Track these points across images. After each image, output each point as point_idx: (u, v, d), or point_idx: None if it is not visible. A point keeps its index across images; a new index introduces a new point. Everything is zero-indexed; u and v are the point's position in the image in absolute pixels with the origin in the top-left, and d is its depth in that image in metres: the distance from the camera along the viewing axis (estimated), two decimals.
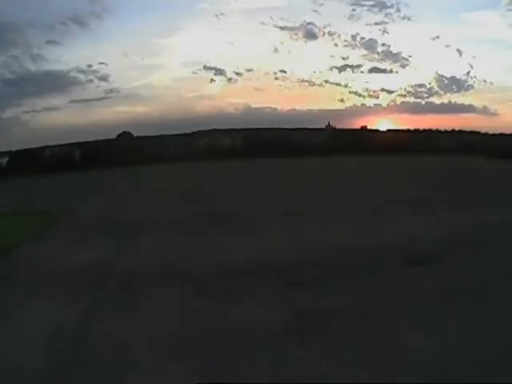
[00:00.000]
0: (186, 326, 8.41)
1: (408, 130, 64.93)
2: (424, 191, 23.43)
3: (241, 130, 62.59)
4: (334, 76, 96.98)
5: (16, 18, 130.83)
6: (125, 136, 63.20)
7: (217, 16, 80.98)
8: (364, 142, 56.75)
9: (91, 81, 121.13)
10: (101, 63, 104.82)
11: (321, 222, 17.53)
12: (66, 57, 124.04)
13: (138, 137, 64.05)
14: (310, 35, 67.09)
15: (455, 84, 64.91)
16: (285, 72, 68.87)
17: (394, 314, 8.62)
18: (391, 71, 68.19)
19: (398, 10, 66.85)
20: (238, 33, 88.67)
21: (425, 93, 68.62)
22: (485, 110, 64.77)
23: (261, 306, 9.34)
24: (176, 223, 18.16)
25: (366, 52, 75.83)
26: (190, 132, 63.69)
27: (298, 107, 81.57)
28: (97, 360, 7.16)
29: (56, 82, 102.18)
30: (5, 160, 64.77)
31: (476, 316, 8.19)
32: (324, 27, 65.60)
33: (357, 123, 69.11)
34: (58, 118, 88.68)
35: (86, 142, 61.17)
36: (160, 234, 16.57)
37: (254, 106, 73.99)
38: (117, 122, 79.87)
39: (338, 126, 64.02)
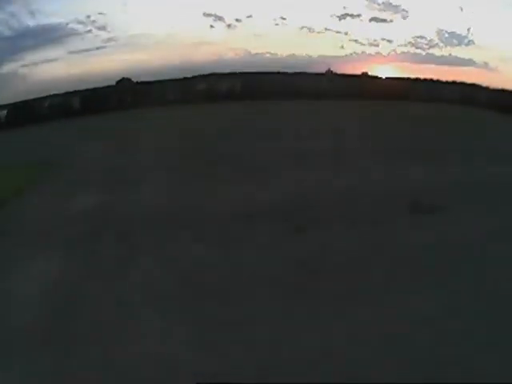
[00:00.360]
0: (186, 275, 8.39)
1: (409, 79, 63.47)
2: (425, 141, 22.85)
3: (240, 74, 60.43)
4: (334, 24, 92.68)
5: None
6: (124, 82, 61.53)
7: None
8: (365, 87, 55.30)
9: (90, 31, 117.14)
10: (100, 13, 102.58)
11: (322, 167, 17.08)
12: (65, 10, 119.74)
13: (137, 83, 62.46)
14: None
15: (455, 38, 62.63)
16: (284, 19, 66.60)
17: (393, 264, 8.60)
18: (391, 21, 65.87)
19: None
20: None
21: (425, 44, 66.26)
22: (485, 66, 63.10)
23: (261, 254, 9.33)
24: (176, 168, 17.69)
25: (366, 2, 73.52)
26: (189, 77, 61.69)
27: (297, 53, 79.49)
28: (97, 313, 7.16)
29: (54, 35, 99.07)
30: (4, 113, 63.67)
31: (476, 272, 8.20)
32: None
33: (357, 70, 67.24)
34: (56, 70, 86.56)
35: (85, 90, 59.38)
36: (159, 180, 16.16)
37: (253, 51, 71.08)
38: (116, 70, 78.17)
39: (338, 72, 62.19)
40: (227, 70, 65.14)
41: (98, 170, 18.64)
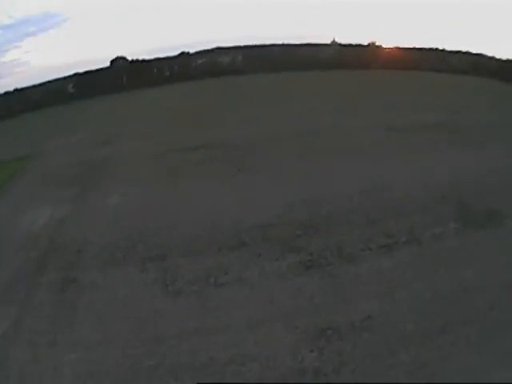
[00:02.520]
0: None
1: (416, 48, 60.45)
2: (447, 115, 19.28)
3: (244, 47, 58.05)
4: None
5: None
6: (118, 61, 58.29)
7: None
8: (372, 57, 51.87)
9: None
10: None
11: (340, 154, 13.62)
12: None
13: (132, 61, 59.12)
14: None
15: None
16: None
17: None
18: None
19: None
20: None
21: None
22: None
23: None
24: (168, 160, 14.57)
25: None
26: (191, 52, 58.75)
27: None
28: None
29: (52, 21, 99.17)
30: None
31: None
32: None
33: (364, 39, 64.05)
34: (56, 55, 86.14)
35: (79, 74, 56.75)
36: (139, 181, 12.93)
37: None
38: None
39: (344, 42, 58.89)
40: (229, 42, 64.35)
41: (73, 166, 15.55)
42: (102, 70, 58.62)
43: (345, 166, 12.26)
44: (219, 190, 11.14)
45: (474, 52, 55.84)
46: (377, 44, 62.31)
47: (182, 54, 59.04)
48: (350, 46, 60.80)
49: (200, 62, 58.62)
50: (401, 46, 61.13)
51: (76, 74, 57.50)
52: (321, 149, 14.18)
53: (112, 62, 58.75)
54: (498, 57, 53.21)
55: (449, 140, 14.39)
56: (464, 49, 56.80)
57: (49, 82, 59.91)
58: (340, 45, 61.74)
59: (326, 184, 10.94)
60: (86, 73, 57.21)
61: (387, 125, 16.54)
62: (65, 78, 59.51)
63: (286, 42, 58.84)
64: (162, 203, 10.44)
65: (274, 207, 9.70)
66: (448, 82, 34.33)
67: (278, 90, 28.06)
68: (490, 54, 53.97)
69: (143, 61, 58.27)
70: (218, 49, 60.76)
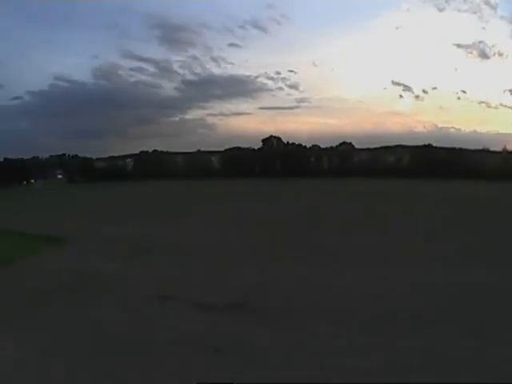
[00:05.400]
0: None
1: None
2: None
3: (410, 147, 55.27)
4: (507, 98, 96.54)
5: (190, 19, 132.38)
6: (271, 141, 52.82)
7: (397, 28, 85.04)
8: None
9: (281, 88, 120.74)
10: (290, 71, 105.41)
11: None
12: (251, 61, 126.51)
13: (287, 144, 53.35)
14: (483, 55, 64.35)
15: None
16: (465, 92, 67.44)
17: None
18: None
19: None
20: (417, 47, 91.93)
21: None
22: None
23: None
24: None
25: None
26: (378, 147, 57.12)
27: (478, 129, 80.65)
28: None
29: (243, 87, 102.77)
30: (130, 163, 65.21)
31: None
32: (493, 46, 64.24)
33: None
34: (247, 124, 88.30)
35: (227, 149, 54.12)
36: None
37: (440, 125, 74.31)
38: (307, 132, 79.88)
39: None
40: (415, 142, 59.14)
41: None
42: (252, 149, 53.55)
43: None
44: None
45: None
46: None
47: (343, 144, 51.99)
48: None
49: (363, 157, 51.37)
50: None
51: (227, 150, 52.77)
52: None
53: (264, 141, 52.77)
54: None
55: None
56: None
57: (195, 152, 57.10)
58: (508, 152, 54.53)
59: None
60: (235, 149, 52.28)
61: None
62: (210, 153, 55.94)
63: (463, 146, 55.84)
64: None
65: None
66: None
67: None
68: None
69: (300, 146, 51.83)
70: (384, 147, 54.64)
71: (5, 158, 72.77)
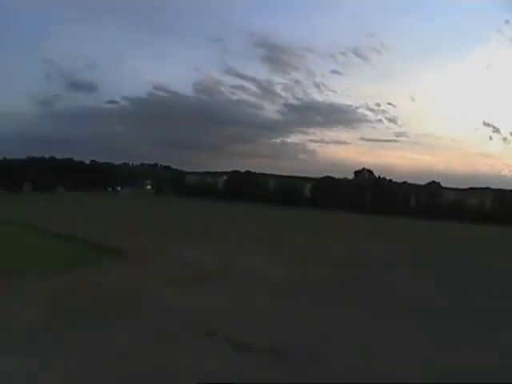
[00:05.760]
0: None
1: None
2: None
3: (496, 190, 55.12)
4: None
5: (294, 41, 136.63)
6: (363, 174, 53.96)
7: (487, 67, 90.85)
8: None
9: (380, 121, 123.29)
10: (389, 104, 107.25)
11: None
12: (352, 91, 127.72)
13: (379, 178, 54.24)
14: None
15: None
16: None
17: None
18: None
19: None
20: (506, 87, 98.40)
21: None
22: None
23: None
24: None
25: None
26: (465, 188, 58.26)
27: None
28: None
29: (344, 116, 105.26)
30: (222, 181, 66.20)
31: None
32: None
33: None
34: (345, 153, 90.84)
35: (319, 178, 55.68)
36: None
37: None
38: (400, 167, 79.88)
39: None
40: (502, 186, 59.65)
41: None
42: (344, 179, 54.94)
43: None
44: None
45: None
46: None
47: (432, 183, 52.33)
48: None
49: (450, 197, 51.31)
50: None
51: (320, 178, 54.50)
52: None
53: (356, 173, 54.56)
54: None
55: None
56: None
57: (288, 176, 59.22)
58: None
59: None
60: (328, 178, 54.01)
61: None
62: (304, 179, 57.72)
63: None
64: None
65: None
66: None
67: None
68: None
69: (390, 182, 52.71)
70: (470, 189, 53.91)
71: (91, 161, 77.96)
